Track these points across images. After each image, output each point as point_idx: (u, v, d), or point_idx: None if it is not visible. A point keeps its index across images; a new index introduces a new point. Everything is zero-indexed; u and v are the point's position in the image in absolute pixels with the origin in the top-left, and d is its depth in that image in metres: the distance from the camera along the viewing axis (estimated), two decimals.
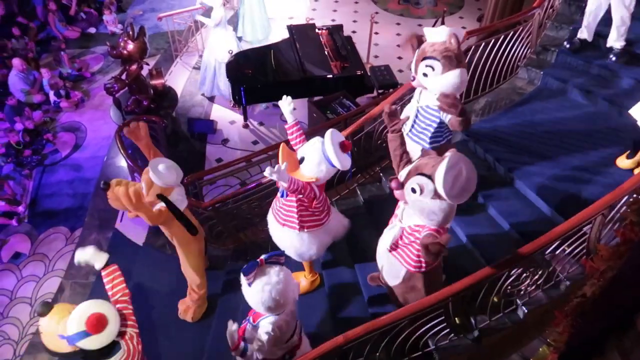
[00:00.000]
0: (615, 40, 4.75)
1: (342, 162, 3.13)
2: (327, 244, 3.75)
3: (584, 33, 5.00)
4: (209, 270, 4.79)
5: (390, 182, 2.81)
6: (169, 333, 4.52)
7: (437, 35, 3.22)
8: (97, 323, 2.69)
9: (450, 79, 3.17)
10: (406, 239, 2.97)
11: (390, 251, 3.10)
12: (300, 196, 3.26)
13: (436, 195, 2.62)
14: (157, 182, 3.63)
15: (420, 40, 3.41)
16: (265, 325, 2.86)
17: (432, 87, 3.27)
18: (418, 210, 2.74)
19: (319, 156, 3.15)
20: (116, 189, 3.64)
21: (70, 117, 8.32)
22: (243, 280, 2.78)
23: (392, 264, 3.14)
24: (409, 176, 2.74)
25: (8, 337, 5.39)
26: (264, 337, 2.84)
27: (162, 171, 3.63)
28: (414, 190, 2.67)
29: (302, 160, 3.24)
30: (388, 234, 3.14)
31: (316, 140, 3.21)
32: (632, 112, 3.76)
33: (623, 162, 4.06)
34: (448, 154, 2.63)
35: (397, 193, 2.83)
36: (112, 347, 2.80)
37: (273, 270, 2.80)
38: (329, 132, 3.15)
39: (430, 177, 2.62)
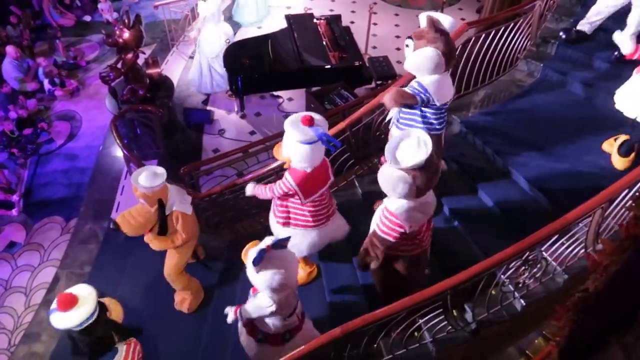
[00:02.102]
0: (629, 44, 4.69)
1: (300, 132, 3.19)
2: (317, 245, 3.78)
3: (585, 27, 4.96)
4: (205, 261, 4.78)
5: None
6: (165, 324, 4.50)
7: (422, 20, 3.39)
8: (65, 301, 2.74)
9: (417, 56, 3.30)
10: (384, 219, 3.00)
11: None
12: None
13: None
14: (146, 191, 3.63)
15: None
16: (265, 296, 2.90)
17: (408, 63, 3.41)
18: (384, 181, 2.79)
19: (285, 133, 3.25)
20: (120, 220, 3.72)
21: (65, 105, 8.24)
22: (251, 267, 2.78)
23: None
24: None
25: (3, 327, 5.37)
26: (263, 303, 2.90)
27: (144, 180, 3.63)
28: None
29: None
30: (375, 215, 3.17)
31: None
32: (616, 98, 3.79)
33: (616, 161, 4.03)
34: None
35: None
36: (106, 349, 2.86)
37: (280, 255, 2.82)
38: (290, 119, 3.28)
39: None
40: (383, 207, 2.99)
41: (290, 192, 3.44)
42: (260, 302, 2.94)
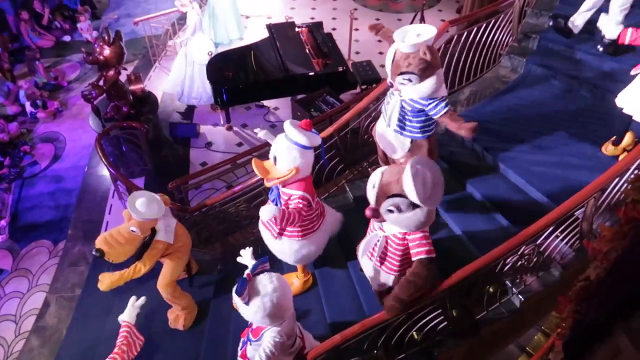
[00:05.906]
0: (613, 30, 4.68)
1: (309, 138, 3.13)
2: (325, 243, 3.70)
3: (576, 21, 4.94)
4: (198, 275, 4.70)
5: (365, 212, 2.73)
6: (162, 344, 4.38)
7: (408, 47, 3.10)
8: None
9: (427, 85, 3.19)
10: (392, 248, 2.90)
11: (380, 266, 3.04)
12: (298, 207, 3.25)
13: (413, 206, 2.59)
14: (137, 218, 3.55)
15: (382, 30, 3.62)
16: (271, 335, 2.73)
17: (411, 94, 3.30)
18: (403, 225, 2.70)
19: (286, 143, 3.14)
20: (105, 247, 3.53)
21: (48, 127, 8.14)
22: (238, 300, 2.66)
23: (379, 274, 3.09)
24: (379, 200, 2.66)
25: None
26: (271, 346, 2.71)
27: (140, 207, 3.55)
28: (392, 211, 2.63)
29: (275, 160, 3.21)
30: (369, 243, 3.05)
31: (279, 136, 3.23)
32: (618, 102, 3.73)
33: (608, 148, 4.05)
34: (407, 163, 2.58)
35: (375, 220, 2.81)
36: None
37: (264, 279, 2.68)
38: (286, 122, 3.18)
39: (401, 195, 2.58)
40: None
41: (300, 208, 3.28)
42: (266, 342, 2.73)
